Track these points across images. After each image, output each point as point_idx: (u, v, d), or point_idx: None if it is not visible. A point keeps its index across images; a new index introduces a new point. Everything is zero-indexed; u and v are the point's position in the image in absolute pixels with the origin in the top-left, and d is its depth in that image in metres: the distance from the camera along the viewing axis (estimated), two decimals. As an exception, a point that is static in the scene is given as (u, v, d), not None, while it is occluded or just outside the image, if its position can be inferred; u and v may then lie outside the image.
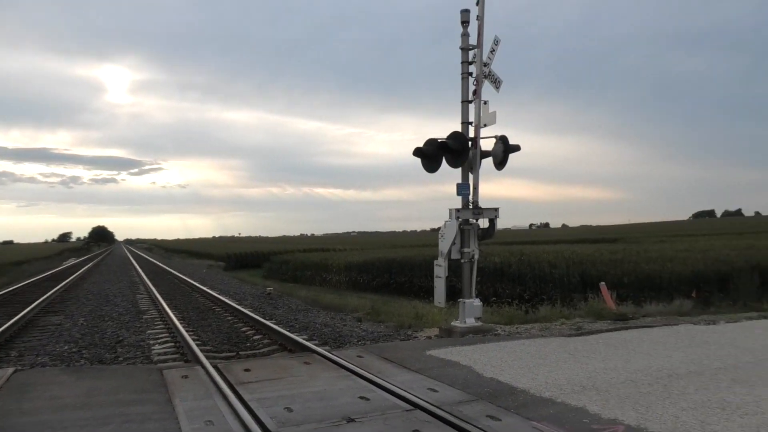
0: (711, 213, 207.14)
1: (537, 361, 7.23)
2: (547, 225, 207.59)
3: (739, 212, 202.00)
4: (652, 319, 10.34)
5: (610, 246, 37.16)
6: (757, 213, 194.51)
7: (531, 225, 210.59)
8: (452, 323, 9.92)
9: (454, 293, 10.60)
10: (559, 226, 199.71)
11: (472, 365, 7.03)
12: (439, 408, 5.36)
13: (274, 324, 11.81)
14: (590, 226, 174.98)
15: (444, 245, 9.89)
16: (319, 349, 8.40)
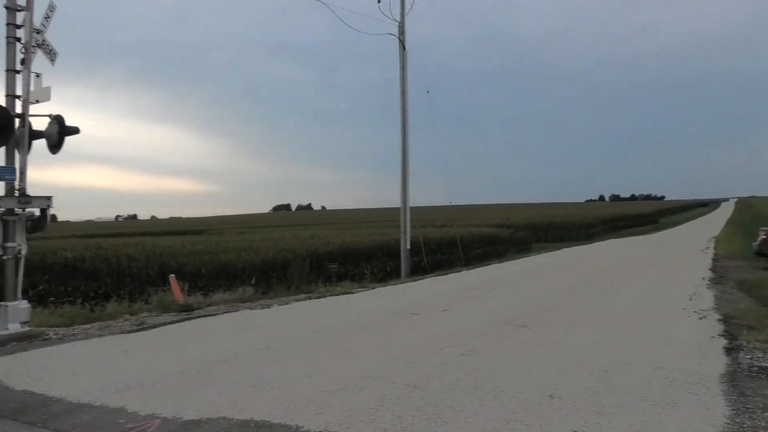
0: (287, 206, 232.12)
1: (85, 364, 6.69)
2: (135, 216, 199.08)
3: (309, 206, 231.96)
4: (216, 307, 10.79)
5: (195, 238, 37.71)
6: (323, 207, 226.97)
7: (118, 216, 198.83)
8: (-10, 332, 8.42)
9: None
10: (149, 217, 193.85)
11: (1, 379, 6.05)
12: (-61, 439, 4.41)
13: None
14: (180, 218, 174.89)
15: (-21, 239, 8.32)
16: None
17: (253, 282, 14.03)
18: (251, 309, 10.52)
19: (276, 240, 28.96)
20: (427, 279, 16.73)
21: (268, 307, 10.66)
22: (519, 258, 24.91)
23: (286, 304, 11.16)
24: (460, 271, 19.16)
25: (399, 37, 19.47)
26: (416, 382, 5.74)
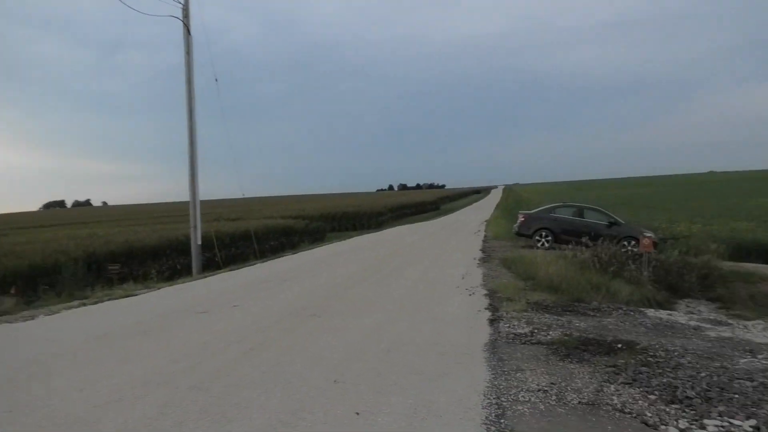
0: (62, 203, 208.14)
1: None
2: None
3: (88, 202, 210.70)
4: (-36, 324, 9.25)
5: (-61, 243, 32.04)
6: (105, 203, 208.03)
7: None
8: None
9: None
10: None
11: None
12: None
13: None
14: None
15: None
16: None
17: (13, 291, 12.30)
18: (10, 323, 9.20)
19: (46, 241, 25.82)
20: (220, 275, 16.21)
21: (32, 319, 9.42)
22: (313, 248, 25.31)
23: (56, 313, 9.96)
24: (254, 264, 18.89)
25: (183, 21, 18.43)
26: (200, 383, 5.53)
